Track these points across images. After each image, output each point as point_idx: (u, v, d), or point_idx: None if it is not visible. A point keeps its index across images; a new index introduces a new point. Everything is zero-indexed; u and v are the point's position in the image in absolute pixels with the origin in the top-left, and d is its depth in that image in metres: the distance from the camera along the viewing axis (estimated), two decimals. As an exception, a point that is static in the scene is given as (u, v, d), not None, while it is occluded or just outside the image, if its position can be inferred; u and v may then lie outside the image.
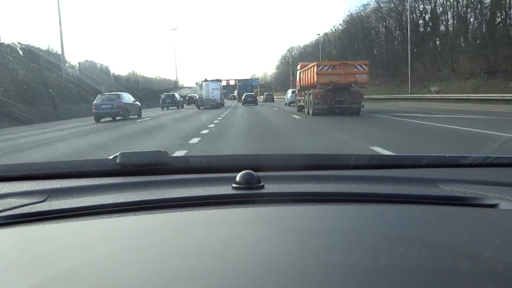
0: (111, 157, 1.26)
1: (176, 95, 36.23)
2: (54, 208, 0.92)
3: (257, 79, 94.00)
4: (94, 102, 18.35)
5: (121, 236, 0.72)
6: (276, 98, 61.38)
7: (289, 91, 34.74)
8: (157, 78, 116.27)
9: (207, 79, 39.71)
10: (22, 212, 0.89)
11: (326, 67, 16.93)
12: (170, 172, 1.25)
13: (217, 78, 76.08)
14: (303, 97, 20.58)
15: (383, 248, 0.58)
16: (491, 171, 1.27)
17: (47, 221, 0.83)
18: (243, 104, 39.12)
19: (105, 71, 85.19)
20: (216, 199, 0.96)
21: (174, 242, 0.65)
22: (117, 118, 18.45)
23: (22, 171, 1.28)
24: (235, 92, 67.20)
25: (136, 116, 20.15)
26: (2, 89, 20.49)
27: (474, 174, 1.21)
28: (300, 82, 20.97)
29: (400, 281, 0.48)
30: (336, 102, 17.08)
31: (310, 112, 17.68)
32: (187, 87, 72.93)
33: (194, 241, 0.65)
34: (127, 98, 19.85)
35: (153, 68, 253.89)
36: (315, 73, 16.71)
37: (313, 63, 17.44)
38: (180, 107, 35.11)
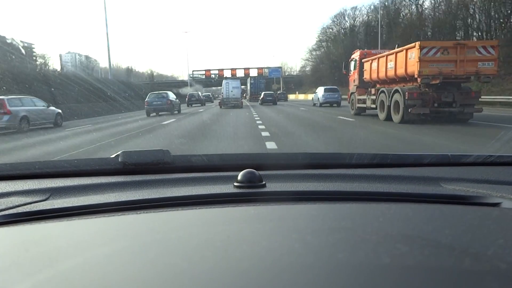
0: (113, 155, 1.26)
1: (200, 94, 38.66)
2: (56, 206, 0.92)
3: (279, 68, 77.51)
4: (146, 99, 21.24)
5: (123, 235, 0.73)
6: (289, 97, 55.76)
7: (320, 89, 28.66)
8: (172, 76, 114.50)
9: (227, 77, 40.18)
10: (24, 210, 0.90)
11: (434, 50, 10.97)
12: (172, 170, 1.25)
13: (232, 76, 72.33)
14: (369, 97, 15.06)
15: (385, 247, 0.58)
16: (493, 170, 1.26)
17: (49, 220, 0.84)
18: (261, 104, 35.38)
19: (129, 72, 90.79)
20: (218, 197, 0.96)
21: (177, 240, 0.65)
22: (161, 113, 20.79)
23: (24, 170, 1.28)
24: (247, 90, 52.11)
25: (176, 112, 22.18)
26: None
27: (477, 173, 1.20)
28: (363, 75, 15.53)
29: (403, 279, 0.48)
30: (441, 104, 11.44)
31: (396, 118, 12.10)
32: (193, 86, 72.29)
33: (196, 239, 0.65)
34: (172, 96, 22.57)
35: (167, 66, 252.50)
36: (416, 60, 11.01)
37: (412, 44, 11.45)
38: (203, 104, 37.14)
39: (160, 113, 20.80)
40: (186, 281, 0.49)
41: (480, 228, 0.70)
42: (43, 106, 15.32)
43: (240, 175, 1.03)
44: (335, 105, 26.70)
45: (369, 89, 15.33)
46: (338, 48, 62.44)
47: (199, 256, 0.56)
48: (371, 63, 14.73)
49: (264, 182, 1.02)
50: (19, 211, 0.89)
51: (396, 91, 12.20)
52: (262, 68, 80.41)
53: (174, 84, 67.10)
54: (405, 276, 0.49)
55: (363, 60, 15.74)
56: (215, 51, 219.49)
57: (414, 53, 11.22)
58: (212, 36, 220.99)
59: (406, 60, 11.67)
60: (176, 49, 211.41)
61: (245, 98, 48.96)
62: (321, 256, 0.55)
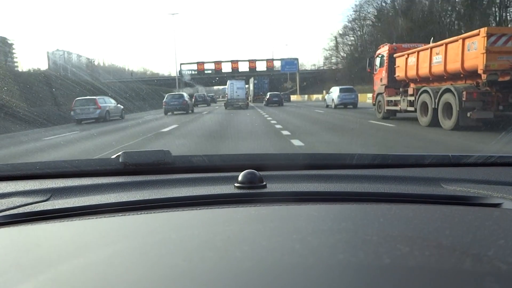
0: (113, 156, 1.26)
1: (206, 94, 39.92)
2: (57, 207, 0.92)
3: (295, 60, 62.94)
4: (164, 100, 23.37)
5: (124, 235, 0.73)
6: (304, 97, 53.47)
7: (335, 89, 25.90)
8: (158, 73, 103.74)
9: (230, 75, 41.71)
10: (25, 211, 0.90)
11: (504, 39, 8.66)
12: (172, 171, 1.25)
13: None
14: (405, 97, 12.73)
15: (386, 248, 0.58)
16: (494, 170, 1.26)
17: (50, 220, 0.84)
18: (266, 105, 34.13)
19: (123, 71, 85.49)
20: (218, 198, 0.96)
21: (177, 241, 0.65)
22: (175, 112, 22.99)
23: (25, 170, 1.28)
24: (249, 89, 45.73)
25: (191, 111, 24.20)
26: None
27: (477, 174, 1.20)
28: (394, 72, 13.37)
29: (403, 280, 0.48)
30: (508, 106, 9.21)
31: (448, 124, 9.87)
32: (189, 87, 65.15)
33: (197, 240, 0.65)
34: (187, 96, 25.19)
35: (159, 64, 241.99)
36: (480, 51, 8.74)
37: (474, 32, 9.21)
38: (208, 105, 36.50)
39: (174, 112, 23.08)
40: (187, 281, 0.49)
41: (481, 229, 0.70)
42: (114, 103, 20.61)
43: (240, 176, 1.03)
44: (351, 106, 24.64)
45: (400, 89, 13.12)
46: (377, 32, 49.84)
47: (200, 257, 0.56)
48: (406, 59, 12.48)
49: (264, 183, 1.02)
50: (20, 212, 0.90)
51: (447, 90, 9.88)
52: (272, 60, 65.40)
53: (161, 82, 57.56)
54: (406, 277, 0.49)
55: (395, 56, 13.44)
56: (210, 40, 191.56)
57: (477, 43, 8.90)
58: (206, 20, 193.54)
59: (463, 52, 9.40)
60: (164, 42, 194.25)
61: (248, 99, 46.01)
62: (321, 256, 0.55)
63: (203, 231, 0.71)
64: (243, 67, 64.41)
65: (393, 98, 13.69)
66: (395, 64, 13.49)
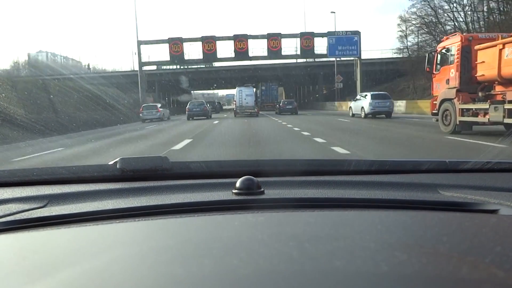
0: (111, 162, 1.26)
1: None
2: (54, 213, 0.92)
3: (356, 34, 35.81)
4: (188, 106, 27.40)
5: (121, 242, 0.73)
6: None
7: (366, 96, 21.45)
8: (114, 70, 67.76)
9: (240, 85, 32.63)
10: (22, 217, 0.90)
11: None
12: (170, 177, 1.25)
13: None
14: (495, 105, 9.10)
15: (383, 255, 0.58)
16: (491, 176, 1.26)
17: (47, 227, 0.84)
18: (278, 113, 30.45)
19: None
20: (216, 204, 0.96)
21: (175, 248, 0.65)
22: (195, 118, 26.07)
23: (22, 177, 1.28)
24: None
25: (207, 118, 26.74)
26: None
27: (475, 180, 1.20)
28: (474, 71, 9.82)
29: (400, 287, 0.49)
30: None
31: None
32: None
33: (194, 247, 0.65)
34: (206, 104, 29.06)
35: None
36: None
37: None
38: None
39: (195, 118, 26.00)
40: None
41: (478, 236, 0.70)
42: (167, 110, 29.40)
43: (238, 182, 1.03)
44: (383, 115, 20.64)
45: (479, 93, 9.73)
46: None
47: (197, 264, 0.56)
48: (501, 50, 8.92)
49: (262, 189, 1.02)
50: (17, 218, 0.90)
51: None
52: (310, 35, 36.28)
53: (114, 79, 35.48)
54: (403, 285, 0.49)
55: (476, 48, 9.78)
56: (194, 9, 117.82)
57: None
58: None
59: None
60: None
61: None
62: (319, 263, 0.56)
63: (200, 238, 0.71)
64: (257, 48, 37.41)
65: (472, 106, 9.89)
66: (471, 60, 9.98)
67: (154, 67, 42.66)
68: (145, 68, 38.98)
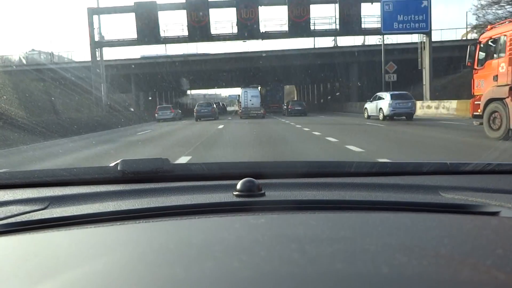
0: (112, 164, 1.27)
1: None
2: (55, 215, 0.93)
3: None
4: (195, 108, 27.85)
5: (122, 244, 0.73)
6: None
7: (385, 95, 19.49)
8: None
9: (245, 86, 31.22)
10: (23, 219, 0.90)
11: None
12: (171, 179, 1.26)
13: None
14: None
15: (384, 257, 0.58)
16: (492, 178, 1.27)
17: (48, 229, 0.84)
18: (287, 115, 28.05)
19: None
20: (217, 207, 0.96)
21: (175, 250, 0.66)
22: (203, 119, 26.38)
23: (23, 179, 1.29)
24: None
25: (214, 119, 26.93)
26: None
27: (475, 181, 1.21)
28: None
29: None
30: None
31: None
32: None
33: (195, 249, 0.65)
34: (214, 105, 30.34)
35: None
36: None
37: None
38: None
39: (202, 119, 26.31)
40: None
41: (478, 238, 0.70)
42: (178, 110, 32.61)
43: (239, 184, 1.03)
44: (404, 117, 19.09)
45: None
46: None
47: (198, 266, 0.56)
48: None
49: (263, 191, 1.03)
50: (18, 220, 0.90)
51: None
52: None
53: (77, 71, 24.26)
54: (404, 287, 0.49)
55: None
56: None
57: None
58: None
59: None
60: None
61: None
62: (320, 266, 0.56)
63: (201, 240, 0.72)
64: (272, 19, 29.42)
65: None
66: None
67: (126, 56, 32.07)
68: (110, 55, 26.84)
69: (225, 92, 78.59)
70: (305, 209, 0.94)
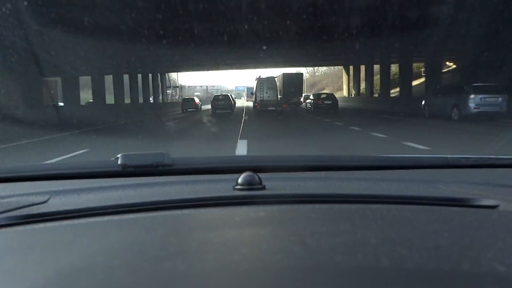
0: (112, 158, 1.27)
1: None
2: (55, 209, 0.92)
3: None
4: (212, 101, 29.16)
5: (123, 238, 0.73)
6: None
7: (461, 89, 14.82)
8: None
9: (261, 76, 28.35)
10: (23, 213, 0.90)
11: None
12: (171, 173, 1.25)
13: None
14: None
15: (384, 250, 0.58)
16: (492, 172, 1.27)
17: (48, 222, 0.84)
18: (313, 109, 26.10)
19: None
20: (217, 200, 0.96)
21: (176, 243, 0.66)
22: (218, 111, 27.14)
23: (23, 172, 1.29)
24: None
25: (231, 111, 28.05)
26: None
27: (476, 175, 1.21)
28: None
29: (402, 282, 0.49)
30: None
31: None
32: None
33: (195, 242, 0.65)
34: (231, 98, 31.35)
35: None
36: None
37: None
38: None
39: (217, 111, 27.04)
40: (185, 284, 0.50)
41: (478, 231, 0.70)
42: (199, 101, 37.59)
43: (240, 178, 1.03)
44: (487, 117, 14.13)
45: None
46: None
47: (199, 259, 0.56)
48: None
49: (263, 185, 1.02)
50: (18, 214, 0.90)
51: None
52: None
53: None
54: (404, 279, 0.49)
55: None
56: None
57: None
58: None
59: None
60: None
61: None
62: (320, 259, 0.56)
63: (202, 233, 0.72)
64: None
65: None
66: None
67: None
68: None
69: (230, 85, 74.49)
70: (306, 203, 0.94)
